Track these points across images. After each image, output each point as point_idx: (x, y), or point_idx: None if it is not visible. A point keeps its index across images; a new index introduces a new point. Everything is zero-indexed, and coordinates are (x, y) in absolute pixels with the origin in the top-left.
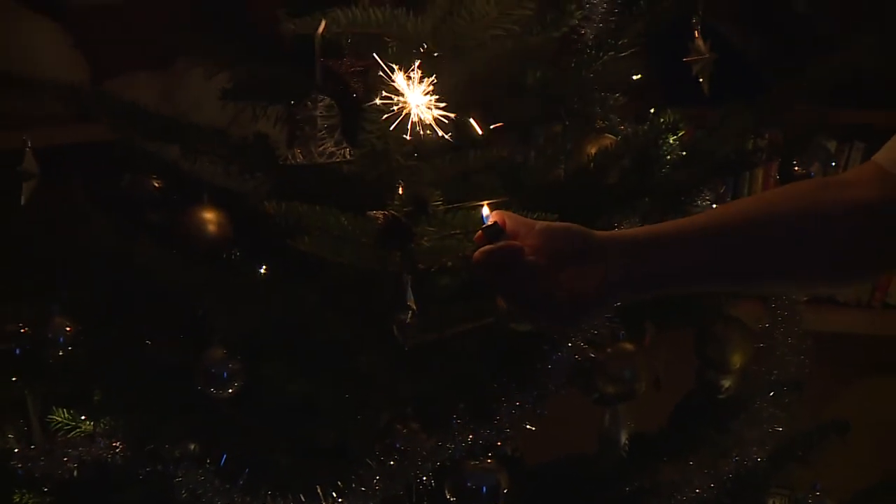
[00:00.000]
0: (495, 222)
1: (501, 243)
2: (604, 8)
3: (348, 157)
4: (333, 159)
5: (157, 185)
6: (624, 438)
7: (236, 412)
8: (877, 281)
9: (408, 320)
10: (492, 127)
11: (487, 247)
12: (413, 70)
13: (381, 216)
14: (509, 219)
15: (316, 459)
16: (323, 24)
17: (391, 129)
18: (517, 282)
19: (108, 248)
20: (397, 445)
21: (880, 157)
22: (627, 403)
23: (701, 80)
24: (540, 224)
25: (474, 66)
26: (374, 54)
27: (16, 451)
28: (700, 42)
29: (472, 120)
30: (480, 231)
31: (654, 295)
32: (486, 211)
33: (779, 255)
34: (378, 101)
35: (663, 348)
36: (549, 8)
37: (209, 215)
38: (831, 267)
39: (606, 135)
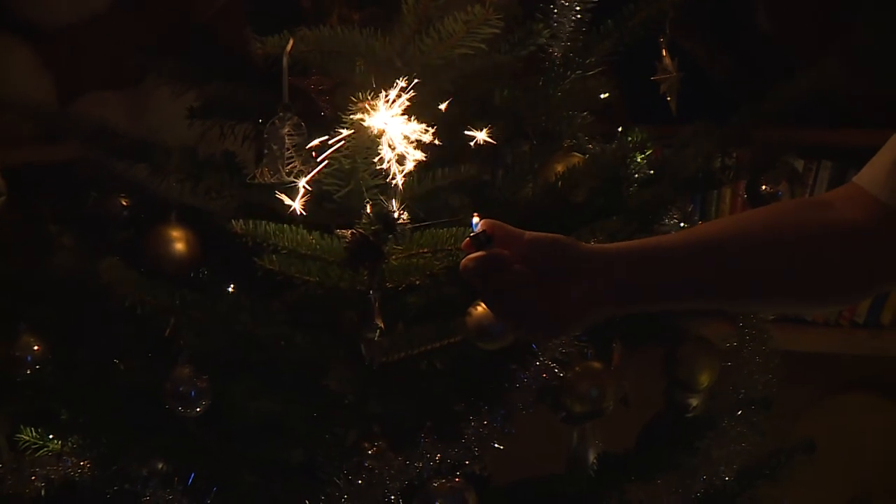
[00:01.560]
0: (484, 230)
1: (489, 251)
2: (571, 27)
3: (316, 175)
4: (301, 178)
5: (124, 203)
6: (592, 458)
7: (204, 431)
8: (860, 302)
9: (375, 339)
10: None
11: (475, 254)
12: (381, 89)
13: (348, 235)
14: (498, 228)
15: (284, 478)
16: (291, 42)
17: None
18: (504, 290)
19: (76, 267)
20: (365, 464)
21: (861, 178)
22: (595, 422)
23: (668, 98)
24: (528, 234)
25: (442, 84)
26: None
27: None
28: (667, 61)
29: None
30: (468, 239)
31: (639, 309)
32: (475, 219)
33: (764, 274)
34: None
35: (631, 367)
36: (516, 27)
37: (176, 234)
38: (816, 287)
39: (574, 153)
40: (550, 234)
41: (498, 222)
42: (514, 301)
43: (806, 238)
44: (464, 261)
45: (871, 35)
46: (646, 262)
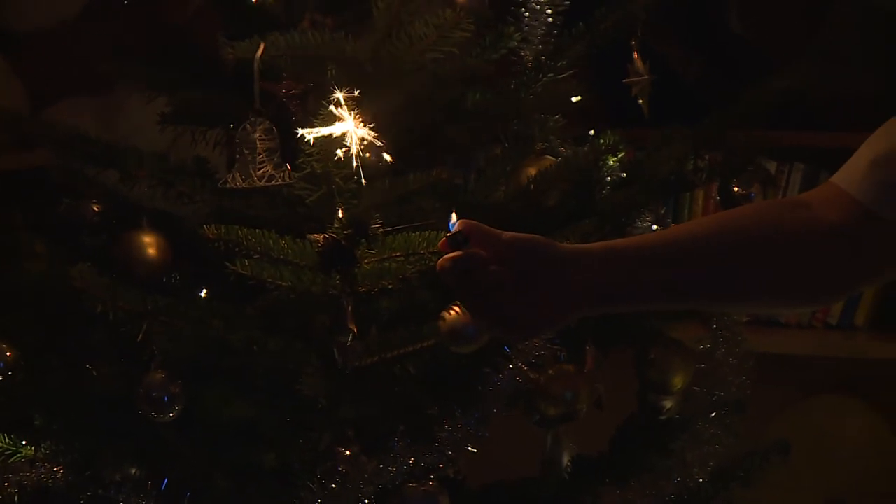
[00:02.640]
0: (461, 230)
1: (466, 251)
2: (543, 30)
3: (288, 180)
4: (273, 182)
5: (95, 209)
6: (566, 460)
7: (177, 436)
8: (837, 303)
9: (348, 343)
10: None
11: (452, 254)
12: (352, 92)
13: (321, 239)
14: (474, 228)
15: (257, 483)
16: (262, 47)
17: (330, 151)
18: (481, 291)
19: (47, 273)
20: (339, 468)
21: (839, 178)
22: (569, 425)
23: (640, 101)
24: (506, 234)
25: (414, 88)
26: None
27: None
28: (639, 63)
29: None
30: (445, 239)
31: (617, 309)
32: (452, 218)
33: (742, 274)
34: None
35: (605, 370)
36: (487, 30)
37: (148, 239)
38: (795, 287)
39: (546, 156)
40: (527, 235)
41: (475, 222)
42: (491, 301)
43: (785, 238)
44: (440, 261)
45: (842, 37)
46: (623, 261)
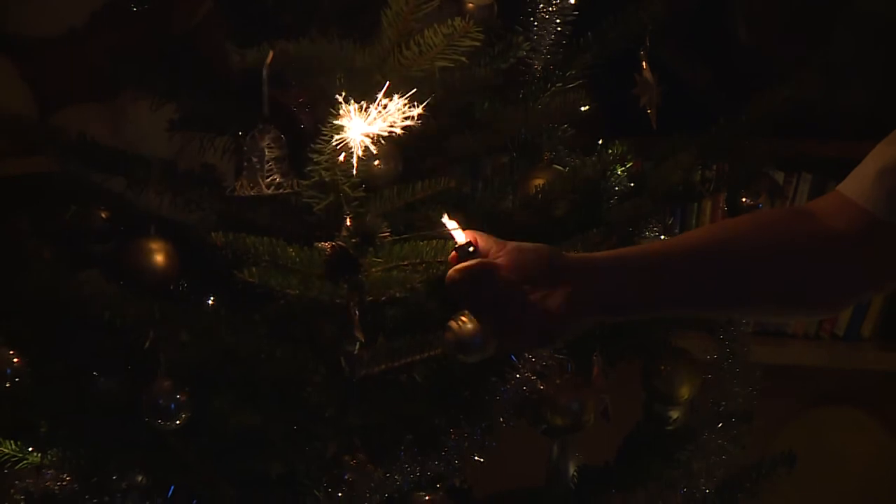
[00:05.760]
0: (468, 241)
1: (477, 261)
2: (551, 39)
3: (296, 188)
4: (281, 190)
5: (103, 216)
6: (572, 470)
7: (183, 444)
8: (845, 310)
9: (355, 351)
10: None
11: (462, 264)
12: (361, 101)
13: (328, 247)
14: (481, 238)
15: (263, 491)
16: (270, 55)
17: (339, 160)
18: (490, 301)
19: (54, 280)
20: (345, 477)
21: (845, 187)
22: (575, 435)
23: (648, 111)
24: (511, 244)
25: (422, 97)
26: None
27: None
28: (647, 73)
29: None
30: (454, 251)
31: (624, 318)
32: (458, 231)
33: (750, 282)
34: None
35: (612, 380)
36: (496, 39)
37: (156, 247)
38: (802, 295)
39: (554, 166)
40: (533, 244)
41: (481, 233)
42: (500, 311)
43: (791, 246)
44: (449, 272)
45: (849, 47)
46: (629, 270)
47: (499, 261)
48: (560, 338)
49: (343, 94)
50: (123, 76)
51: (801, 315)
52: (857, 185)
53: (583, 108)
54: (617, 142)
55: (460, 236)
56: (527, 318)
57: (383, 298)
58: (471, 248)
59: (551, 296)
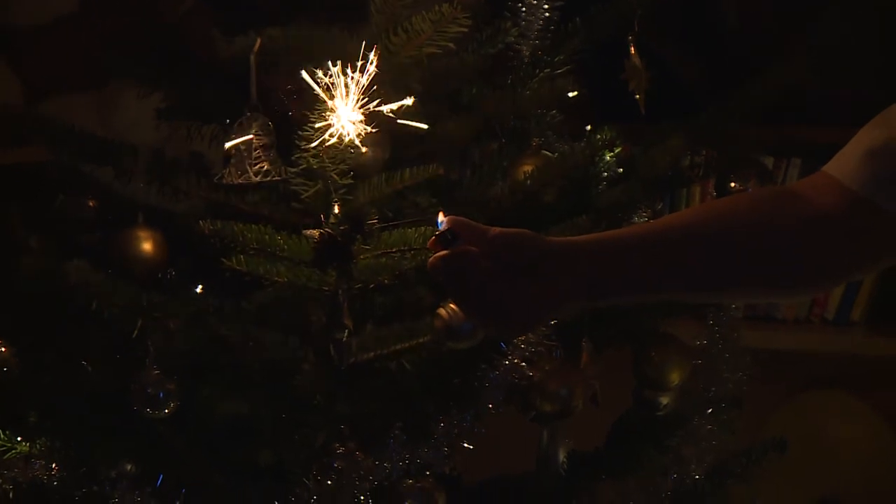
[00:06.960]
0: (450, 228)
1: (457, 248)
2: (539, 25)
3: (284, 175)
4: (269, 178)
5: (91, 205)
6: (562, 457)
7: (173, 432)
8: (833, 289)
9: (344, 339)
10: None
11: (443, 252)
12: (349, 88)
13: (316, 235)
14: (463, 225)
15: (253, 479)
16: (258, 42)
17: (326, 147)
18: (472, 287)
19: (43, 269)
20: (335, 465)
21: (832, 168)
22: (565, 422)
23: (637, 96)
24: (493, 230)
25: (410, 83)
26: (310, 73)
27: None
28: (635, 59)
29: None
30: (434, 237)
31: (610, 301)
32: (440, 217)
33: (736, 263)
34: (313, 120)
35: (601, 366)
36: (484, 25)
37: (144, 235)
38: (789, 275)
39: (543, 152)
40: (515, 229)
41: (463, 219)
42: (483, 298)
43: (778, 226)
44: (431, 259)
45: (837, 32)
46: (612, 253)
47: (481, 247)
48: (543, 322)
49: (331, 80)
50: (112, 65)
51: (787, 295)
52: (842, 165)
53: (571, 94)
54: (606, 127)
55: (441, 224)
56: (508, 304)
57: (372, 286)
58: (452, 235)
59: (535, 280)
